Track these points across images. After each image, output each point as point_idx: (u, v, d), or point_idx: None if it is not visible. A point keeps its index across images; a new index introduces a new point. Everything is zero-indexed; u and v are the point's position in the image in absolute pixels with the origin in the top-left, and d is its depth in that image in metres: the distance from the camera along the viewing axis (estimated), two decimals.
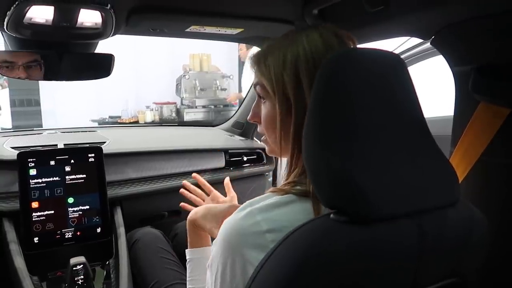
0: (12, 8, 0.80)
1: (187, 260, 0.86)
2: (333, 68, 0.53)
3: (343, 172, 0.49)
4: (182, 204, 1.06)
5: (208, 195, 1.06)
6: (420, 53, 1.50)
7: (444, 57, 0.86)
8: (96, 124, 4.98)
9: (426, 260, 0.52)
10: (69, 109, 5.35)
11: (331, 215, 0.50)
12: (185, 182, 1.08)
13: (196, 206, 1.02)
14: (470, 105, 0.81)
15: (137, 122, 5.24)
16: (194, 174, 1.12)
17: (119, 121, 5.34)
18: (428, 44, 1.04)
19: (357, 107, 0.51)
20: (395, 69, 0.56)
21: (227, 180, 1.07)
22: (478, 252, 0.58)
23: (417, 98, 0.56)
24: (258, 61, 0.66)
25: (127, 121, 5.28)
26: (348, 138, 0.50)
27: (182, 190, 1.07)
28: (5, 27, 0.87)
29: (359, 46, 0.66)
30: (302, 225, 0.50)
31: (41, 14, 0.84)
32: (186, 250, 0.87)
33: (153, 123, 5.16)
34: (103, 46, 1.13)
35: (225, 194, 1.05)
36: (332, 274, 0.47)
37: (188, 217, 0.89)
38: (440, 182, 0.54)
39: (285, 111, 0.63)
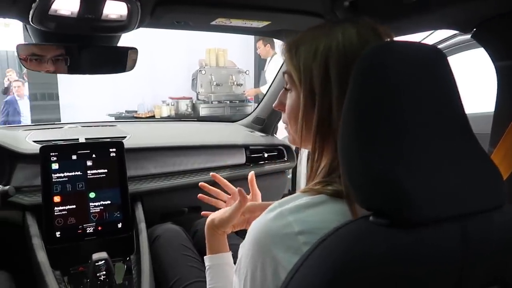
0: (37, 0, 0.79)
1: (207, 267, 0.83)
2: (373, 61, 0.50)
3: (385, 172, 0.46)
4: (200, 195, 0.99)
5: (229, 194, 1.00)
6: (455, 45, 1.44)
7: (486, 51, 0.82)
8: (112, 118, 5.02)
9: (470, 265, 0.49)
10: (86, 103, 5.42)
11: (370, 218, 0.48)
12: (202, 183, 0.99)
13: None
14: None
15: (153, 116, 5.28)
16: (212, 174, 1.02)
17: (135, 115, 5.38)
18: (464, 36, 0.99)
19: (398, 104, 0.48)
20: (437, 63, 0.53)
21: (250, 176, 0.97)
22: None
23: (459, 95, 0.53)
24: (289, 49, 0.64)
25: (143, 116, 5.32)
26: (389, 136, 0.47)
27: (200, 195, 1.00)
28: (30, 19, 0.86)
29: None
30: (339, 228, 0.48)
31: (66, 6, 0.83)
32: (205, 257, 0.85)
33: (169, 118, 5.18)
34: (120, 41, 1.12)
35: (248, 191, 1.00)
36: (371, 278, 0.45)
37: (207, 220, 0.86)
38: (485, 184, 0.51)
39: (309, 104, 0.61)
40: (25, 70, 6.77)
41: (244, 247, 0.58)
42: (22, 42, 1.09)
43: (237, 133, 1.84)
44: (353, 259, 0.45)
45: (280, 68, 1.66)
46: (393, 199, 0.46)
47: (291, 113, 0.65)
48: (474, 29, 0.81)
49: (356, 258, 0.45)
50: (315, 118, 0.60)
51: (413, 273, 0.46)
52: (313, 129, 0.60)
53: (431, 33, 1.52)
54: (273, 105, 0.72)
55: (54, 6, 0.82)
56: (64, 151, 1.23)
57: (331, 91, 0.58)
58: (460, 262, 0.48)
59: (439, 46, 1.43)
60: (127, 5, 0.84)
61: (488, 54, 0.82)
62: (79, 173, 1.24)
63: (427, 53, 0.53)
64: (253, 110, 1.94)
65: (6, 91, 7.86)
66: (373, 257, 0.45)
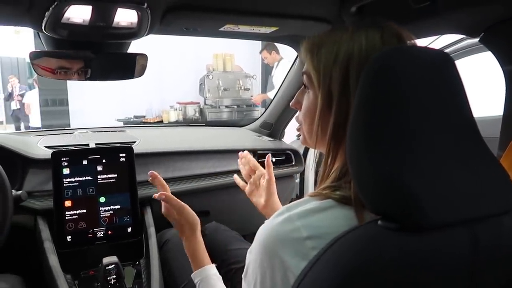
0: (51, 8, 0.81)
1: (197, 283, 0.85)
2: (381, 64, 0.50)
3: (393, 175, 0.46)
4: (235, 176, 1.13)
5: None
6: (462, 49, 1.43)
7: (494, 55, 0.82)
8: (121, 123, 5.06)
9: (480, 270, 0.49)
10: (95, 109, 5.47)
11: (379, 222, 0.48)
12: (241, 153, 1.12)
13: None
14: None
15: (161, 121, 5.30)
16: (242, 153, 1.13)
17: (143, 120, 5.41)
18: (471, 40, 0.99)
19: (405, 107, 0.48)
20: (444, 66, 0.53)
21: (267, 160, 1.07)
22: None
23: (467, 98, 0.53)
24: (311, 50, 0.62)
25: (151, 121, 5.34)
26: (397, 139, 0.47)
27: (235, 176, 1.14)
28: (43, 27, 0.88)
29: None
30: (347, 232, 0.48)
31: (78, 14, 0.84)
32: (192, 274, 0.88)
33: (177, 123, 5.20)
34: (130, 48, 1.13)
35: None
36: (380, 283, 0.45)
37: (182, 238, 0.95)
38: (494, 188, 0.51)
39: (326, 107, 0.60)
40: (35, 76, 6.87)
41: (252, 253, 0.57)
42: (33, 49, 1.11)
43: (245, 137, 1.84)
44: (363, 264, 0.45)
45: (287, 73, 1.67)
46: (401, 202, 0.45)
47: (307, 114, 0.65)
48: (482, 33, 0.80)
49: (365, 263, 0.45)
50: (332, 121, 0.59)
51: (423, 278, 0.46)
52: (328, 132, 0.60)
53: (437, 38, 1.52)
54: (290, 103, 0.72)
55: (66, 15, 0.83)
56: (75, 156, 1.25)
57: (349, 96, 0.57)
58: (470, 267, 0.48)
59: (446, 50, 1.43)
60: (137, 12, 0.85)
61: (496, 58, 0.81)
62: (89, 178, 1.25)
63: (435, 57, 0.53)
64: (261, 115, 1.94)
65: (9, 97, 7.97)
66: (382, 262, 0.45)
